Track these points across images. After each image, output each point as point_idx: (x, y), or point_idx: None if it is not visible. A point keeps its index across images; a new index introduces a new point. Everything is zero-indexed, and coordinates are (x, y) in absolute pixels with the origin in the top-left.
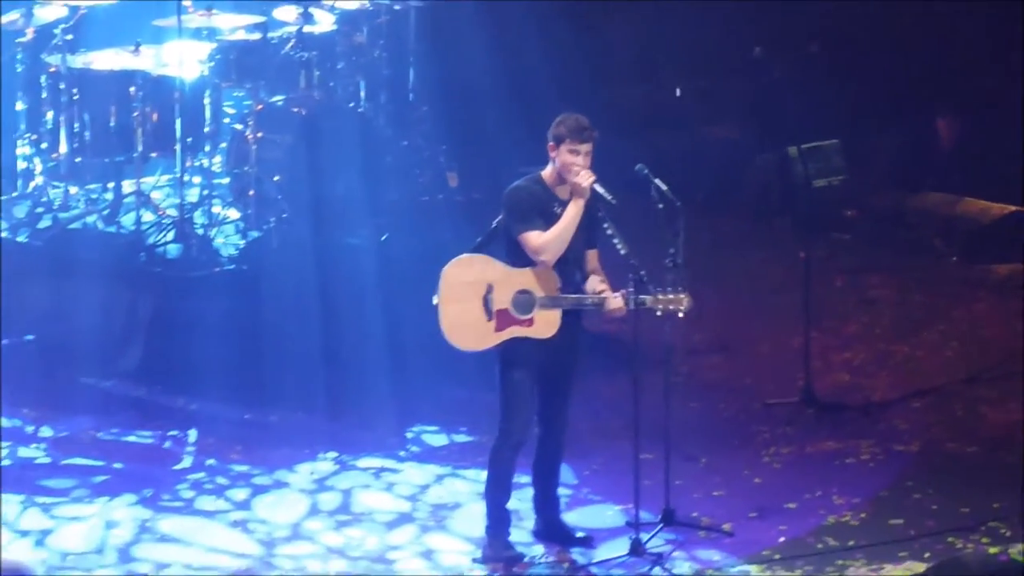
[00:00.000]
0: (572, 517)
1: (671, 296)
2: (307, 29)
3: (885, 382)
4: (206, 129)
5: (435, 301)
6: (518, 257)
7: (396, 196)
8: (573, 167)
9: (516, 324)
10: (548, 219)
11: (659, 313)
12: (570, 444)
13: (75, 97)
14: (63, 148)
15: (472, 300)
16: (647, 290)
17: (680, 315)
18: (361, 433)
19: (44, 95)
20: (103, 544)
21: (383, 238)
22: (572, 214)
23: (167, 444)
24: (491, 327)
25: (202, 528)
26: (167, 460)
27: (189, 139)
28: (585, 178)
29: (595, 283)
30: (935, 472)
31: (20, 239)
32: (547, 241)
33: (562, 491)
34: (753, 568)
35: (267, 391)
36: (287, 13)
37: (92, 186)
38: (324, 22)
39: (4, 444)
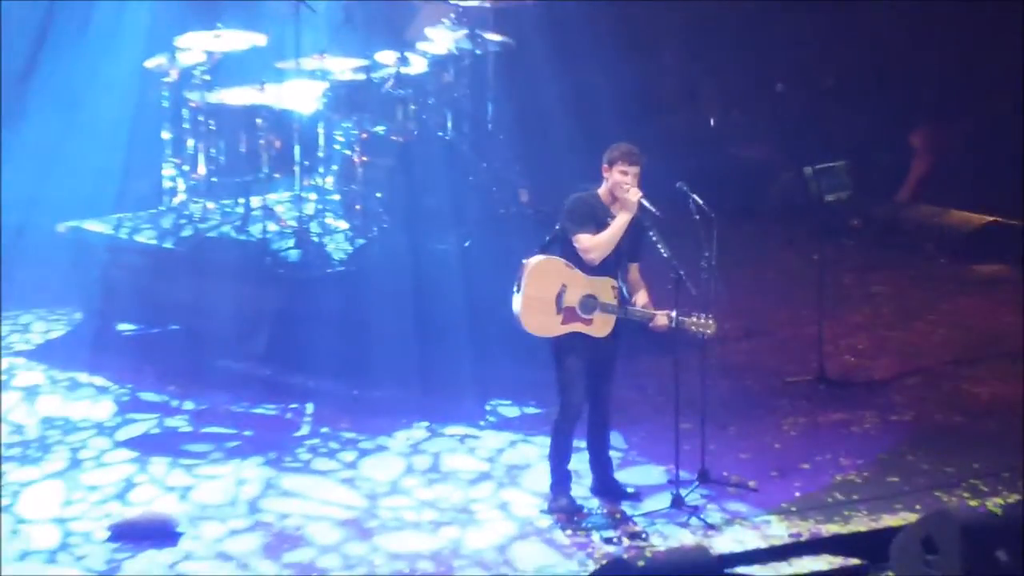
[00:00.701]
0: (622, 475)
1: (703, 321)
2: (404, 71)
3: (884, 363)
4: (320, 154)
5: (515, 288)
6: (572, 256)
7: (477, 209)
8: (623, 185)
9: (578, 321)
10: (599, 227)
11: (692, 332)
12: (620, 414)
13: (211, 127)
14: (202, 170)
15: (548, 294)
16: (686, 308)
17: (705, 338)
18: (448, 406)
19: (186, 125)
20: (235, 498)
21: (466, 244)
22: (620, 223)
23: (288, 415)
24: (558, 319)
25: (317, 484)
26: (288, 428)
27: (306, 162)
28: (634, 194)
29: (643, 298)
30: (925, 438)
31: (166, 245)
32: (595, 243)
33: (613, 454)
34: (773, 518)
35: (371, 371)
36: (387, 57)
37: (226, 201)
38: (418, 65)
39: (153, 416)
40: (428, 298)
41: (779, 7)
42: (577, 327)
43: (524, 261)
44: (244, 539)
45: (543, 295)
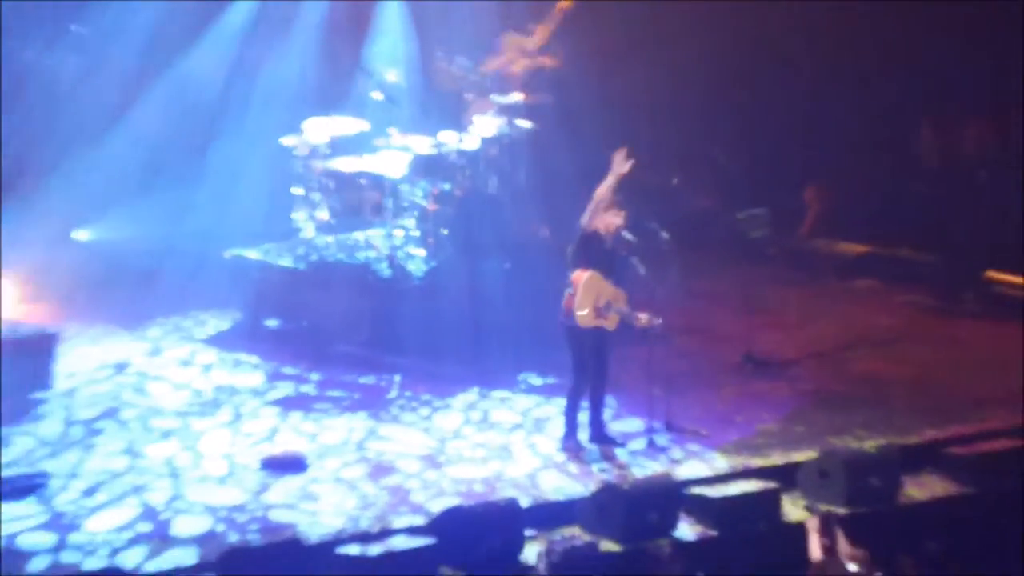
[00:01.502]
0: (613, 426)
1: (656, 320)
2: (462, 147)
3: (793, 349)
4: (404, 204)
5: (569, 291)
6: (577, 266)
7: (512, 241)
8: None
9: (601, 318)
10: (595, 252)
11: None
12: (612, 384)
13: (330, 186)
14: (323, 215)
15: (591, 298)
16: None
17: (654, 331)
18: (493, 376)
19: (312, 185)
20: (347, 440)
21: (506, 265)
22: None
23: (383, 383)
24: (592, 315)
25: (404, 431)
26: (383, 392)
27: (395, 209)
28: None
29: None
30: (822, 401)
31: (299, 267)
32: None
33: (606, 411)
34: (718, 455)
35: (441, 352)
36: (450, 137)
37: (340, 236)
38: (472, 142)
39: (291, 383)
40: (480, 302)
41: (722, 103)
42: (600, 322)
43: (575, 275)
44: (354, 469)
45: (588, 299)
